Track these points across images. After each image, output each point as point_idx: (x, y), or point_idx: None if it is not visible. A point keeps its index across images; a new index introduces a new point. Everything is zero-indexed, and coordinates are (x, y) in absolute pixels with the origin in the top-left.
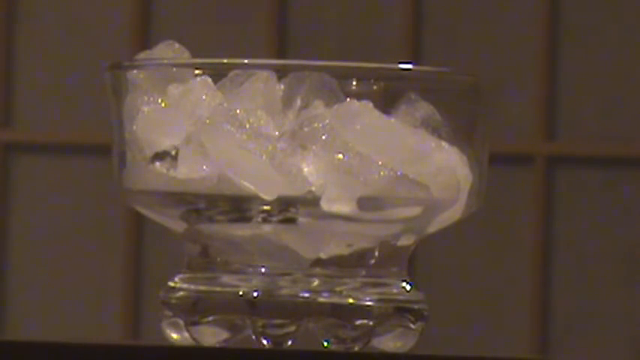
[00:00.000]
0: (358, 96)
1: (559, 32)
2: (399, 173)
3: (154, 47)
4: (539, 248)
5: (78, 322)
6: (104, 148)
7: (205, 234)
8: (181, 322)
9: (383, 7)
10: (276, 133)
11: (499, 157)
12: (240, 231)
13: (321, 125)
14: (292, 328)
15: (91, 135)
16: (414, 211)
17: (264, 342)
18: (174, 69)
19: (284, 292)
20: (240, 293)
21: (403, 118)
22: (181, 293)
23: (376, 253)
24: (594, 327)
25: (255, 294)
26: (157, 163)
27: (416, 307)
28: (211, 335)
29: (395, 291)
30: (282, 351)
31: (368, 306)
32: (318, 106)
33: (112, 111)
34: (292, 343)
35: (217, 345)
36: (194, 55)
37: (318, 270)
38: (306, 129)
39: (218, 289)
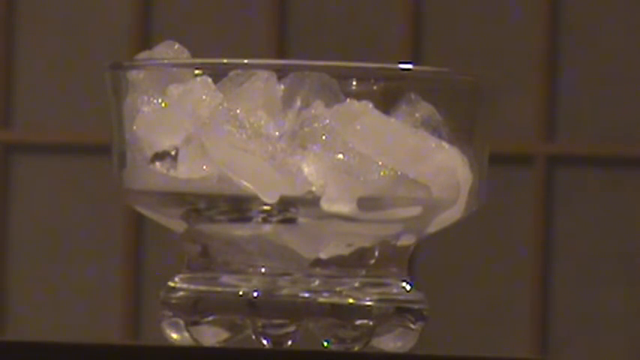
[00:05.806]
0: (358, 96)
1: (559, 32)
2: (399, 173)
3: (154, 47)
4: (539, 248)
5: (78, 322)
6: (104, 148)
7: (205, 234)
8: (181, 322)
9: (383, 7)
10: (276, 133)
11: (499, 157)
12: (240, 231)
13: (321, 125)
14: (292, 328)
15: (91, 135)
16: (414, 211)
17: (264, 342)
18: (175, 69)
19: (284, 292)
20: (240, 293)
21: (403, 118)
22: (181, 293)
23: (376, 253)
24: (594, 327)
25: (255, 294)
26: (157, 163)
27: (416, 307)
28: (211, 335)
29: (395, 291)
30: (282, 351)
31: (368, 306)
32: (318, 106)
33: (112, 111)
34: (292, 343)
35: (217, 345)
36: (194, 55)
37: (318, 270)
38: (306, 129)
39: (218, 289)
